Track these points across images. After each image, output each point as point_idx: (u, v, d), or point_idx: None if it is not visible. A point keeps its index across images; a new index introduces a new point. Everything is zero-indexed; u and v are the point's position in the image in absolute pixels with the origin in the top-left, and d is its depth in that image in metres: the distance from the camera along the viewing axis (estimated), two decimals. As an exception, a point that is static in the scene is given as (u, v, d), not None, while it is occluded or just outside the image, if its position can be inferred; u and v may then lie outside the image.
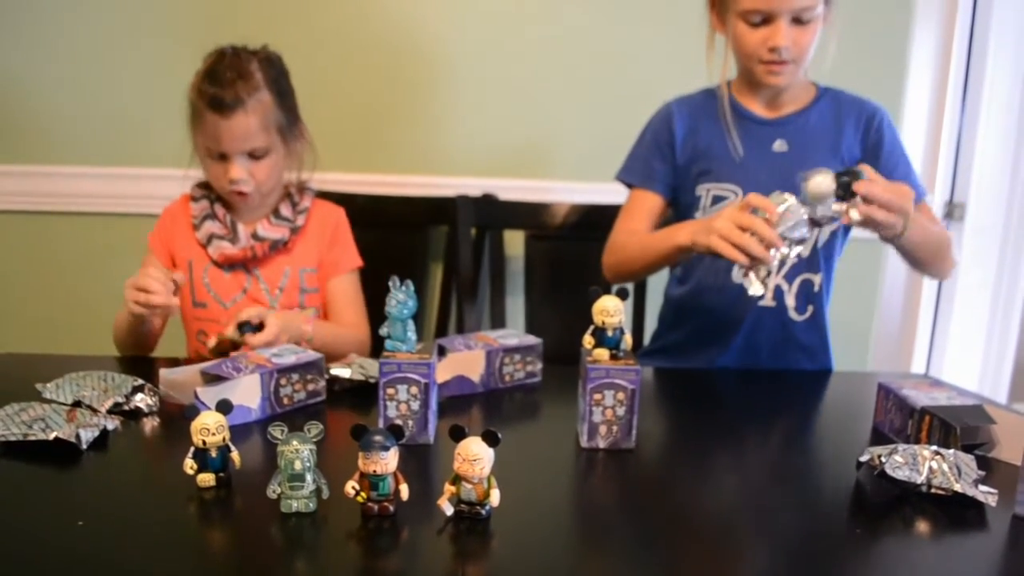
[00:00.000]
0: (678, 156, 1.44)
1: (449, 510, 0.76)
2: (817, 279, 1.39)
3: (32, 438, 0.90)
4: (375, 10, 1.82)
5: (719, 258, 1.14)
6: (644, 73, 1.86)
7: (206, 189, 1.46)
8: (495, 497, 0.76)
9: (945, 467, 0.84)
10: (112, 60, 1.82)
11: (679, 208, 1.47)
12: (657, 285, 1.70)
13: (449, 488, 0.76)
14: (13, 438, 0.91)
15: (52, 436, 0.90)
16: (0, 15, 1.79)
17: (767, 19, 1.27)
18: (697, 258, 1.45)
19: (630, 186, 1.49)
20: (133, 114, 1.84)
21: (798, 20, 1.26)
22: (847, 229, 1.42)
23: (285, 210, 1.46)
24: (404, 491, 0.76)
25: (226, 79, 1.33)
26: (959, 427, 0.93)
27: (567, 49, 1.85)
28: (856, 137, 1.38)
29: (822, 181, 1.08)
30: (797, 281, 1.38)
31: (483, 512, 0.76)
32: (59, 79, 1.83)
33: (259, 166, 1.37)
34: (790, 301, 1.39)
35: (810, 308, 1.40)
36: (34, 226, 1.89)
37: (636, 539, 0.78)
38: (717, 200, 1.40)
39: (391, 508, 0.76)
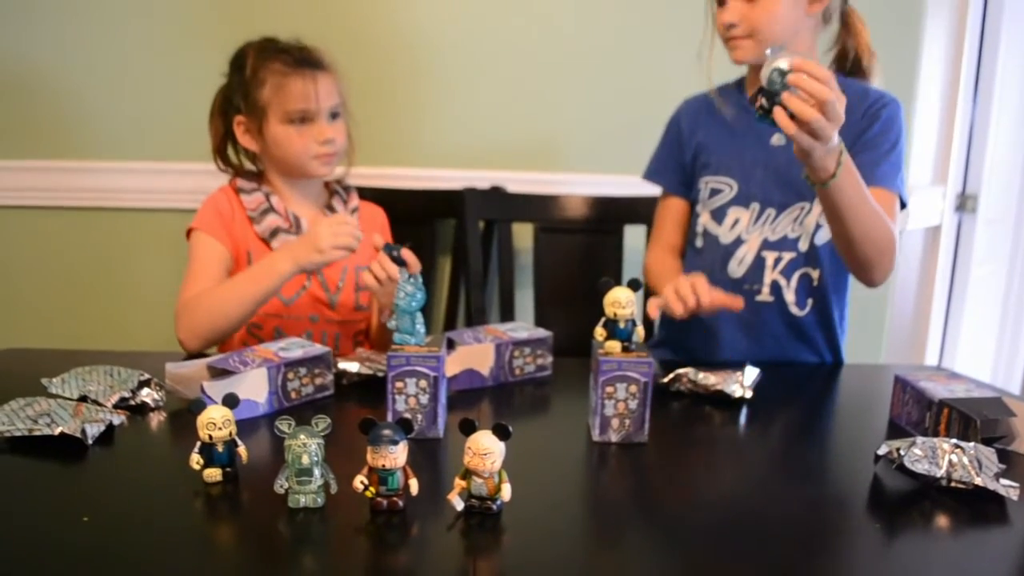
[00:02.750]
0: (685, 151, 1.46)
1: (459, 505, 0.75)
2: (816, 273, 1.36)
3: (37, 433, 0.90)
4: (383, 4, 1.81)
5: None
6: (653, 65, 1.84)
7: (254, 181, 1.42)
8: (506, 492, 0.75)
9: (965, 460, 0.83)
10: (129, 57, 1.80)
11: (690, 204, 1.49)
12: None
13: (459, 483, 0.75)
14: (18, 433, 0.90)
15: (58, 431, 0.89)
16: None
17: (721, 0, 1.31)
18: (691, 253, 1.47)
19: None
20: (140, 110, 1.83)
21: None
22: None
23: (338, 205, 1.46)
24: (414, 486, 0.76)
25: (297, 45, 1.36)
26: (979, 420, 0.91)
27: (575, 41, 1.84)
28: (853, 127, 1.29)
29: (770, 69, 1.02)
30: (795, 276, 1.36)
31: (494, 507, 0.75)
32: (64, 76, 1.82)
33: (338, 127, 1.38)
34: (789, 296, 1.37)
35: (811, 302, 1.38)
36: (42, 221, 1.88)
37: (649, 534, 0.76)
38: (714, 192, 1.40)
39: (400, 503, 0.75)
